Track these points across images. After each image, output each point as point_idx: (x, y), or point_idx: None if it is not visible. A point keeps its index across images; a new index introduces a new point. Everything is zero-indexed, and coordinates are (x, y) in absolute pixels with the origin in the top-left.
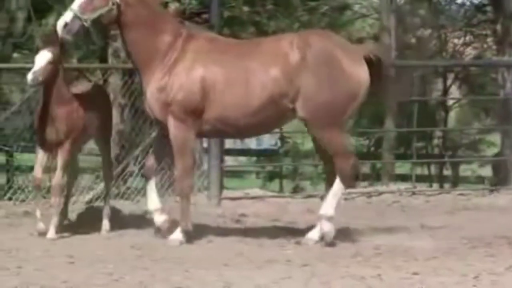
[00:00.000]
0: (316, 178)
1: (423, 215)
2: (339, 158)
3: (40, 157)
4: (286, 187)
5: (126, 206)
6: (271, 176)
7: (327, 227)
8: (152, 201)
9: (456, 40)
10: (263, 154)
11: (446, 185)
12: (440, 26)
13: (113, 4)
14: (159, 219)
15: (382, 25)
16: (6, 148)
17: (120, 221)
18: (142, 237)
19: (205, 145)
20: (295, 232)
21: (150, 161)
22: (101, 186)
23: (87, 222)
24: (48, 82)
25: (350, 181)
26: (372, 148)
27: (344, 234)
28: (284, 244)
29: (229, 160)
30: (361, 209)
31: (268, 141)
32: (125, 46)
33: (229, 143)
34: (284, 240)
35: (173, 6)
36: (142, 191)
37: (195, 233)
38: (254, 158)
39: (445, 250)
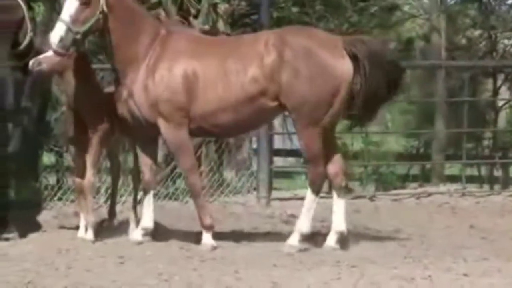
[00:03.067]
0: (365, 179)
1: (473, 216)
2: (311, 165)
3: (76, 158)
4: None
5: (175, 207)
6: None
7: (295, 242)
8: (146, 218)
9: (506, 41)
10: None
11: (496, 186)
12: (490, 26)
13: (100, 13)
14: (139, 238)
15: (432, 26)
16: (56, 149)
17: (169, 222)
18: (191, 238)
19: (254, 146)
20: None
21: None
22: None
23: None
24: (64, 77)
25: (319, 189)
26: (422, 149)
27: (393, 235)
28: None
29: (278, 161)
30: (410, 210)
31: None
32: (106, 50)
33: (278, 144)
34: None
35: (222, 7)
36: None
37: (240, 233)
38: (303, 159)
39: (495, 251)
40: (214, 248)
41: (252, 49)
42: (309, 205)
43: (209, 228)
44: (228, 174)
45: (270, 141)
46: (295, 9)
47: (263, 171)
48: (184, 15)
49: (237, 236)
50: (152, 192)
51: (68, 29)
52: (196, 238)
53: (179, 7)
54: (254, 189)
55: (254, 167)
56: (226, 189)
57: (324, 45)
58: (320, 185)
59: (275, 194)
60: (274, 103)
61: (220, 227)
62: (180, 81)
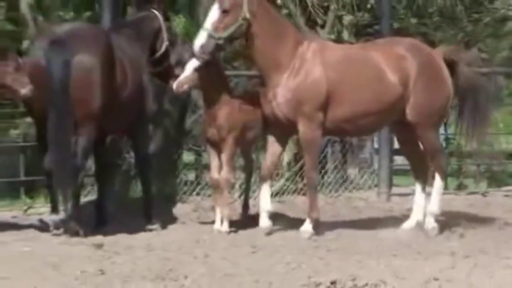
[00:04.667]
0: (478, 177)
1: None
2: (437, 157)
3: (213, 157)
4: (451, 184)
5: (303, 201)
6: None
7: (432, 224)
8: (265, 202)
9: None
10: None
11: None
12: None
13: (243, 19)
14: (265, 221)
15: None
16: (195, 148)
17: (297, 215)
18: (317, 229)
19: (375, 146)
20: (459, 226)
21: (266, 163)
22: (280, 182)
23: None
24: (202, 87)
25: (446, 175)
26: None
27: (504, 228)
28: (449, 237)
29: (398, 160)
30: None
31: None
32: (251, 54)
33: (397, 144)
34: (449, 233)
35: (347, 18)
36: (318, 188)
37: (362, 225)
38: None
39: None
40: (313, 235)
41: (388, 57)
42: (438, 189)
43: (314, 220)
44: (352, 172)
45: (391, 141)
46: (413, 20)
47: (384, 169)
48: (312, 25)
49: (360, 228)
50: (268, 184)
51: (210, 36)
52: (322, 229)
53: (307, 18)
54: (375, 185)
55: (376, 165)
56: (349, 185)
57: (440, 58)
58: (446, 171)
59: (394, 190)
60: (403, 106)
61: (344, 219)
62: (324, 84)
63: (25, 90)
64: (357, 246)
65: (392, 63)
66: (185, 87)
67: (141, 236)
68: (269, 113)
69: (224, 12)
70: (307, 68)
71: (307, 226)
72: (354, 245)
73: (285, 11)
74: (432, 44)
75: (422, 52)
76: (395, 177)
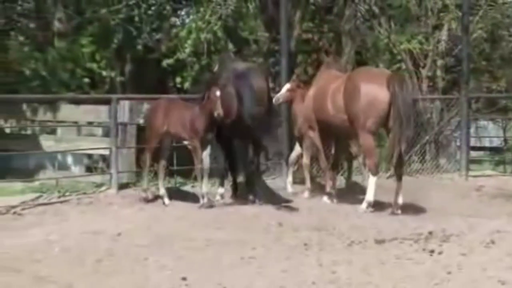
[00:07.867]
0: None
1: None
2: (368, 157)
3: (296, 148)
4: (508, 169)
5: (409, 180)
6: (498, 163)
7: (363, 209)
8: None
9: None
10: (494, 149)
11: None
12: None
13: None
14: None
15: None
16: None
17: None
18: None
19: (458, 144)
20: None
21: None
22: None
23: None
24: (289, 101)
25: (376, 172)
26: None
27: None
28: (505, 204)
29: (473, 153)
30: None
31: (497, 141)
32: None
33: (472, 143)
34: (506, 201)
35: (439, 62)
36: (420, 171)
37: (448, 196)
38: (488, 152)
39: None
40: (326, 204)
41: (339, 82)
42: (372, 184)
43: (328, 193)
44: (442, 161)
45: (468, 141)
46: (484, 62)
47: (463, 159)
48: (416, 66)
49: (447, 198)
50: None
51: None
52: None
53: (413, 61)
54: (458, 170)
55: (458, 157)
56: (441, 169)
57: (371, 79)
58: (376, 169)
59: (470, 173)
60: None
61: (433, 195)
62: (311, 98)
63: (216, 112)
64: (445, 209)
65: (339, 86)
66: (280, 101)
67: (303, 202)
68: None
69: None
70: (312, 86)
71: (306, 194)
72: (443, 208)
73: (398, 57)
74: (496, 78)
75: (354, 76)
76: (470, 164)
